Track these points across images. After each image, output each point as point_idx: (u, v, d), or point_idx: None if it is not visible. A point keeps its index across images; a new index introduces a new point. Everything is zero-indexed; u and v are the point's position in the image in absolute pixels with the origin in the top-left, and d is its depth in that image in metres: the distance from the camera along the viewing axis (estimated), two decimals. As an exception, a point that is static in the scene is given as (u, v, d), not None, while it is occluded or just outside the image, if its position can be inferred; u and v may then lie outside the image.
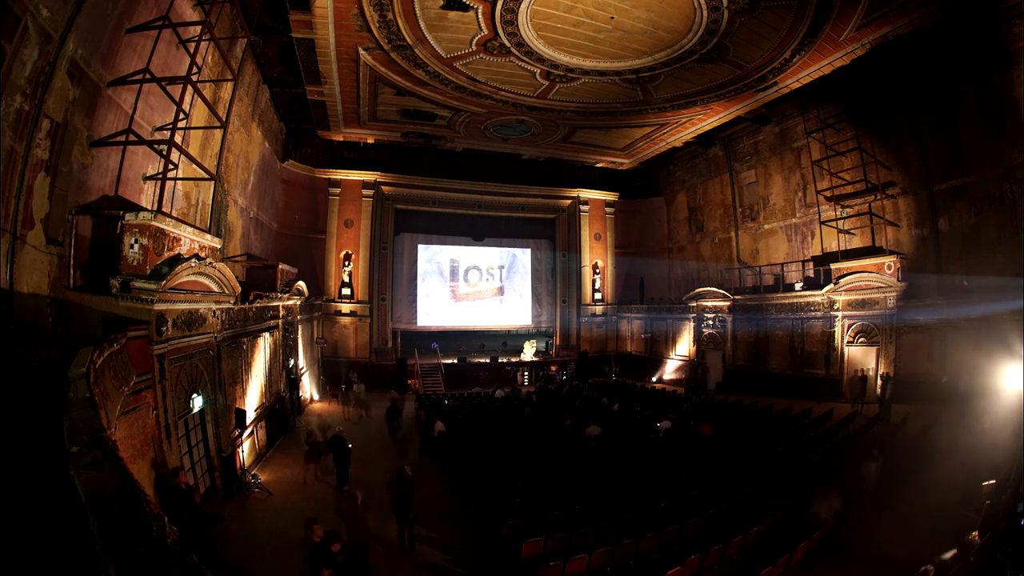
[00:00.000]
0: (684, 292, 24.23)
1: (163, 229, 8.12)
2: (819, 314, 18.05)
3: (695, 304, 22.90)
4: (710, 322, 22.47)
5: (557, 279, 29.40)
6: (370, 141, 24.16)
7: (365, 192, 24.85)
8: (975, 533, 5.64)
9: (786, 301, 19.29)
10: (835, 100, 18.35)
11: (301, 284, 17.04)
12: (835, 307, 17.46)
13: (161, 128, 9.83)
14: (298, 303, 17.34)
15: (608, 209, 29.54)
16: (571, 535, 7.19)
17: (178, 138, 9.12)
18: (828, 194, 18.18)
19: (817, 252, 19.62)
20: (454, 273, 28.58)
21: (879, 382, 15.93)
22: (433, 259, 28.22)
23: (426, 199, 26.78)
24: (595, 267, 28.88)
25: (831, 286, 17.30)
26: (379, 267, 25.44)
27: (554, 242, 29.78)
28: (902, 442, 11.25)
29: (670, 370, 24.73)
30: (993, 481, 7.28)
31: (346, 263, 24.42)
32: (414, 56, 15.56)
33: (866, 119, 17.55)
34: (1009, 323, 12.68)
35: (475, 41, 14.71)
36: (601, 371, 26.60)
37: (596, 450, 11.65)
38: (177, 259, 8.17)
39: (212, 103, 11.06)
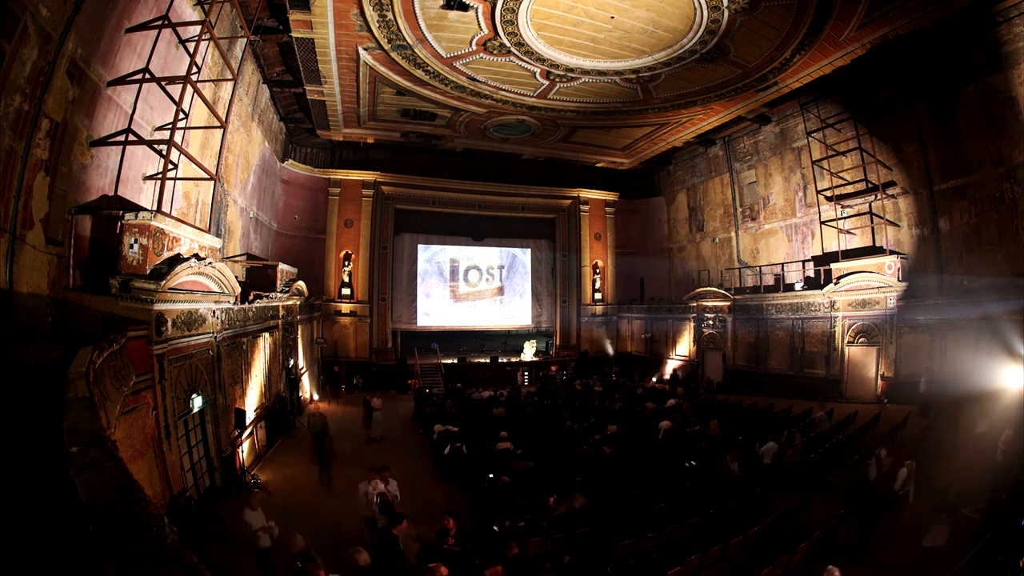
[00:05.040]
0: (684, 292, 24.22)
1: (163, 229, 8.11)
2: (819, 314, 18.02)
3: (695, 304, 22.88)
4: (710, 322, 22.45)
5: (557, 279, 29.36)
6: (370, 141, 24.15)
7: (365, 192, 24.85)
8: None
9: (786, 301, 19.27)
10: (835, 99, 18.35)
11: (301, 284, 17.02)
12: (835, 307, 17.44)
13: (161, 128, 9.82)
14: (298, 303, 17.33)
15: (608, 209, 29.53)
16: (571, 535, 7.18)
17: (178, 138, 9.10)
18: (828, 194, 18.18)
19: (817, 252, 19.61)
20: (454, 273, 28.57)
21: (880, 383, 15.97)
22: (433, 259, 28.20)
23: (426, 199, 26.76)
24: (595, 267, 28.87)
25: (831, 286, 17.27)
26: (379, 267, 25.42)
27: (554, 242, 29.74)
28: (901, 442, 11.24)
29: (670, 370, 24.71)
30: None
31: (346, 263, 24.42)
32: (414, 56, 15.56)
33: (866, 119, 17.54)
34: (1009, 323, 12.68)
35: (475, 41, 14.71)
36: (601, 371, 26.57)
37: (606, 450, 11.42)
38: (177, 259, 8.17)
39: (212, 103, 11.04)
